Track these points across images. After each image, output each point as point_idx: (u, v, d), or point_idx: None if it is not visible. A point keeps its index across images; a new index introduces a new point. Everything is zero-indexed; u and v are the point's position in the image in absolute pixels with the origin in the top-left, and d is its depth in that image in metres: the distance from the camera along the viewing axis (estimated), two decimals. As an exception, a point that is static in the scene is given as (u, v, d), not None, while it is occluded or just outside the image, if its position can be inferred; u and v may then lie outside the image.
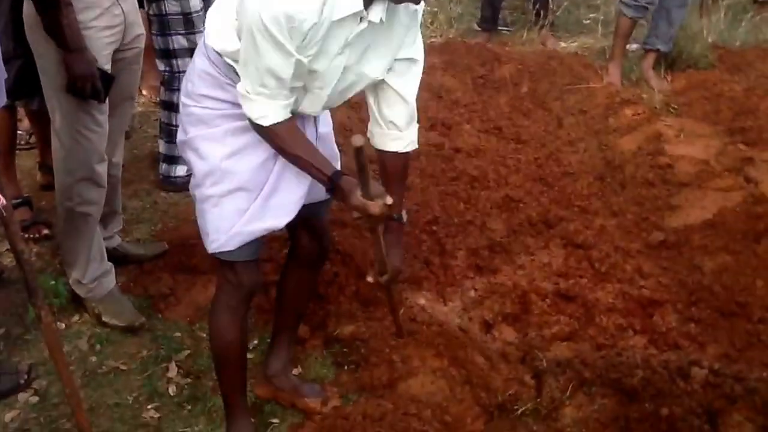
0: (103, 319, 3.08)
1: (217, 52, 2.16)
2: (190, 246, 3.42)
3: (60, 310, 3.12)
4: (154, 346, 3.04)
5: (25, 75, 3.07)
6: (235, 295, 2.39)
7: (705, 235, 3.67)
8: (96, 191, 2.96)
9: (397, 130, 2.35)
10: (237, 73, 2.12)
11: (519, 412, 2.70)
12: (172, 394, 2.82)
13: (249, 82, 2.06)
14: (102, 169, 2.93)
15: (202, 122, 2.23)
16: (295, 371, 2.89)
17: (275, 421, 2.72)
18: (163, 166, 4.09)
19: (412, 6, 2.13)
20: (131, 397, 2.81)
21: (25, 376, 2.81)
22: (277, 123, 2.10)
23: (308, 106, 2.22)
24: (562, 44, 6.50)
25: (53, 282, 3.16)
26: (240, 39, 2.06)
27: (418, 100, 2.36)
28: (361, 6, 2.00)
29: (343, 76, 2.17)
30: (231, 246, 2.26)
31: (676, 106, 5.18)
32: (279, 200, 2.25)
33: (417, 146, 2.44)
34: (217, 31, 2.16)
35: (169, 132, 3.98)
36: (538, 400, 2.73)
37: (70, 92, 2.70)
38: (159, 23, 3.79)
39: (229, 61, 2.14)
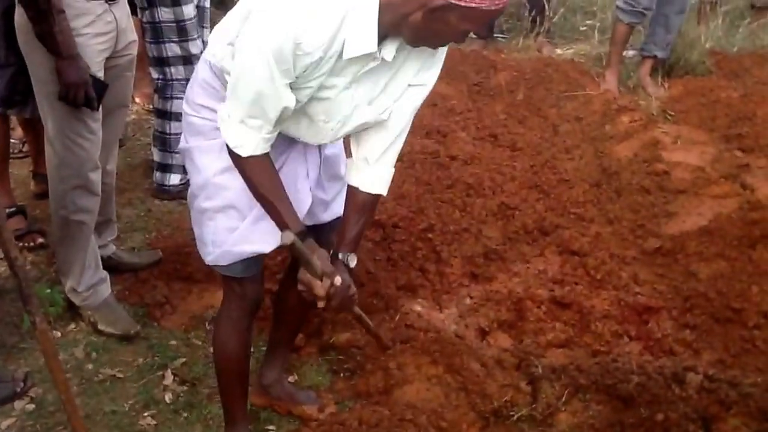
0: (99, 327, 3.08)
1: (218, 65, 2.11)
2: (184, 254, 3.42)
3: (56, 319, 3.11)
4: (150, 354, 3.03)
5: (17, 83, 3.08)
6: (240, 307, 2.36)
7: (701, 242, 3.67)
8: (90, 199, 2.95)
9: (365, 163, 2.21)
10: None
11: (514, 418, 2.70)
12: (168, 402, 2.82)
13: (234, 107, 1.98)
14: (96, 176, 2.93)
15: (200, 133, 2.19)
16: (290, 379, 2.90)
17: (271, 428, 2.72)
18: (157, 175, 4.09)
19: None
20: (127, 404, 2.80)
21: (22, 384, 2.80)
22: (255, 155, 2.03)
23: (312, 137, 2.16)
24: (559, 51, 6.51)
25: (49, 290, 3.15)
26: (233, 59, 1.99)
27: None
28: (374, 47, 1.90)
29: (351, 112, 2.08)
30: (224, 262, 2.23)
31: (672, 113, 5.19)
32: (269, 225, 2.15)
33: (384, 192, 2.26)
34: (221, 48, 2.08)
35: (162, 140, 3.98)
36: (534, 406, 2.73)
37: (63, 100, 2.69)
38: (152, 31, 3.79)
39: (227, 76, 2.08)
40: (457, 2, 1.77)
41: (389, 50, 1.96)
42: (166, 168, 4.03)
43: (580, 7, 7.45)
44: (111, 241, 3.41)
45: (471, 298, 3.42)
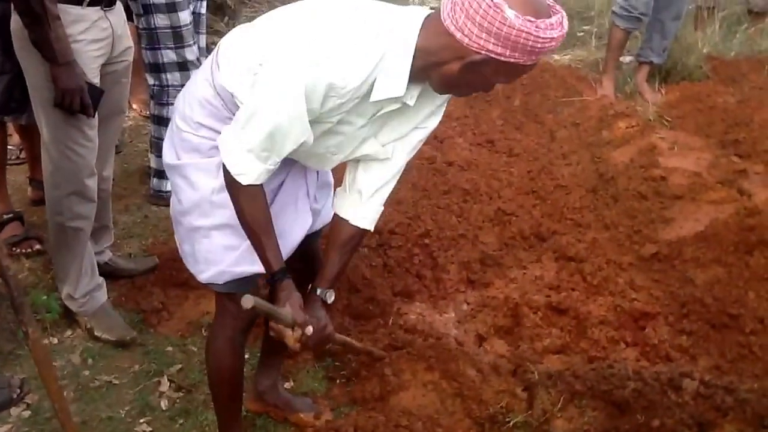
0: (95, 333, 3.08)
1: (224, 87, 2.05)
2: (181, 261, 3.38)
3: (52, 325, 3.12)
4: (146, 361, 3.03)
5: (14, 90, 3.08)
6: (234, 325, 2.32)
7: (697, 248, 3.67)
8: (86, 206, 2.95)
9: (359, 196, 2.18)
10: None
11: (510, 424, 2.70)
12: (164, 408, 2.82)
13: (245, 137, 1.91)
14: (92, 183, 2.93)
15: (196, 150, 2.13)
16: (286, 385, 2.90)
17: (267, 435, 2.73)
18: (154, 181, 4.09)
19: None
20: (123, 411, 2.80)
21: (18, 391, 2.79)
22: (254, 185, 1.99)
23: (315, 164, 2.16)
24: (555, 57, 6.50)
25: (45, 297, 3.15)
26: (253, 86, 1.93)
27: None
28: (403, 91, 1.87)
29: (358, 145, 2.08)
30: (220, 281, 2.20)
31: (669, 119, 5.18)
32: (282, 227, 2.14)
33: (372, 228, 2.24)
34: (233, 70, 2.02)
35: (159, 147, 3.95)
36: (530, 412, 2.72)
37: (59, 106, 2.68)
38: (148, 37, 3.79)
39: (237, 100, 2.03)
40: (497, 57, 1.74)
41: (413, 95, 1.94)
42: (162, 174, 4.02)
43: (576, 13, 7.45)
44: (107, 247, 3.41)
45: (468, 304, 3.42)
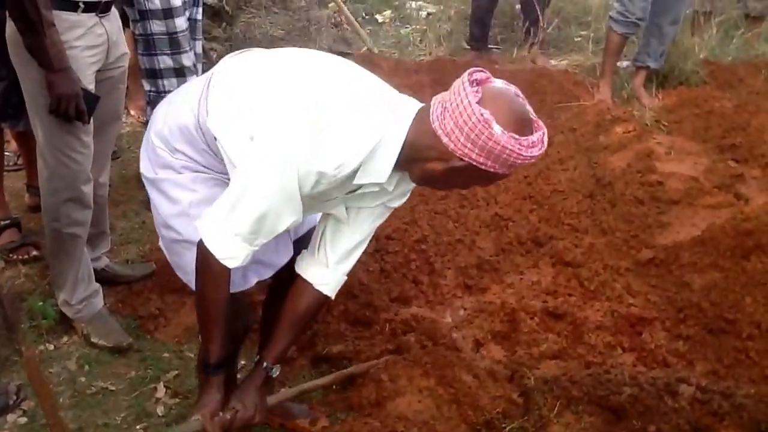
0: (92, 339, 3.08)
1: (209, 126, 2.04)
2: (178, 267, 3.41)
3: (48, 331, 3.11)
4: (143, 367, 3.03)
5: (10, 96, 3.08)
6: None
7: (694, 253, 3.68)
8: (82, 212, 2.95)
9: (324, 262, 2.18)
10: (220, 150, 2.02)
11: (506, 430, 2.68)
12: (160, 415, 2.81)
13: (232, 222, 1.92)
14: (88, 189, 2.92)
15: (170, 167, 2.15)
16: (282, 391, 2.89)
17: (264, 441, 2.72)
18: (152, 187, 4.08)
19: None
20: (120, 417, 2.79)
21: (14, 397, 2.79)
22: (226, 268, 1.98)
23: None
24: (553, 62, 6.53)
25: (41, 303, 3.15)
26: (243, 166, 1.92)
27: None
28: (386, 179, 1.93)
29: (327, 207, 2.11)
30: None
31: (666, 123, 5.19)
32: (262, 255, 2.14)
33: (333, 297, 2.24)
34: (220, 121, 2.01)
35: (157, 153, 3.98)
36: (526, 418, 2.72)
37: (54, 113, 2.67)
38: (144, 43, 3.78)
39: (220, 146, 2.02)
40: (479, 166, 1.80)
41: (392, 181, 1.99)
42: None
43: (574, 18, 7.47)
44: (104, 253, 3.41)
45: (464, 309, 3.42)
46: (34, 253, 3.56)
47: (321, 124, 1.85)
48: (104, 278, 3.30)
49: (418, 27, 7.20)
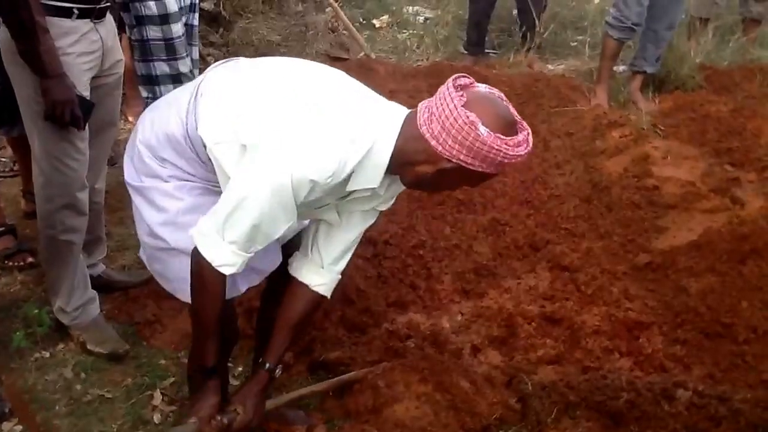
0: (88, 347, 3.07)
1: (198, 135, 2.06)
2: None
3: (44, 339, 3.10)
4: (139, 374, 3.02)
5: (5, 102, 3.07)
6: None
7: (691, 257, 3.68)
8: (78, 219, 2.94)
9: (319, 263, 2.22)
10: (209, 158, 2.05)
11: (504, 436, 2.70)
12: (156, 422, 2.80)
13: (229, 231, 1.94)
14: (84, 196, 2.91)
15: (157, 177, 2.18)
16: (279, 398, 2.89)
17: (260, 448, 2.71)
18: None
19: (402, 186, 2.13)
20: (116, 425, 2.78)
21: (9, 405, 2.78)
22: (222, 277, 2.02)
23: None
24: (549, 66, 6.52)
25: (37, 310, 3.13)
26: (235, 174, 1.96)
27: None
28: (378, 184, 1.99)
29: (318, 213, 2.14)
30: None
31: (663, 128, 5.18)
32: (253, 259, 2.13)
33: (329, 296, 2.28)
34: (212, 129, 2.03)
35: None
36: (523, 424, 2.73)
37: (49, 119, 2.66)
38: (140, 49, 3.77)
39: (211, 155, 2.05)
40: (467, 166, 1.87)
41: (383, 185, 2.03)
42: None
43: (570, 23, 7.47)
44: (101, 260, 3.40)
45: (462, 314, 3.41)
46: (30, 259, 3.54)
47: (312, 131, 1.89)
48: (101, 285, 3.29)
49: (415, 32, 7.19)
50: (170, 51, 3.75)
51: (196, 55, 4.08)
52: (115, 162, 4.29)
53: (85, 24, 2.73)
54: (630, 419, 2.65)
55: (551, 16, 7.08)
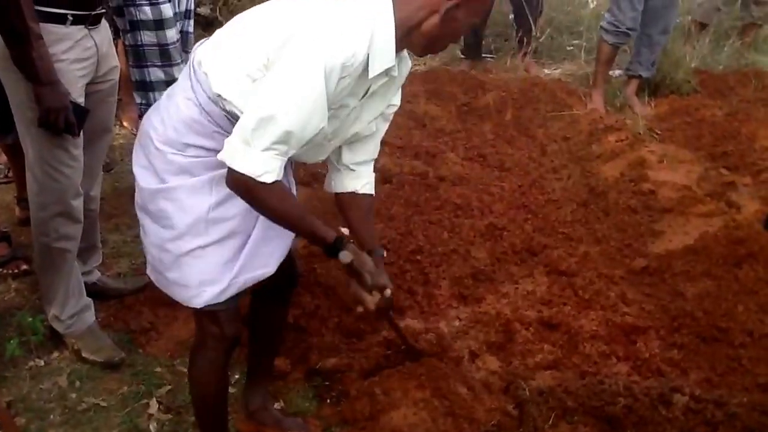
0: (83, 355, 3.05)
1: (212, 100, 2.03)
2: (171, 279, 3.39)
3: (38, 347, 3.08)
4: (135, 382, 3.00)
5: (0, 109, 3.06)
6: (219, 347, 2.30)
7: (687, 261, 3.68)
8: (72, 226, 2.92)
9: (354, 171, 2.31)
10: (230, 121, 2.01)
11: (501, 442, 2.69)
12: (153, 431, 2.79)
13: (260, 136, 1.89)
14: (78, 203, 2.89)
15: (185, 172, 2.11)
16: (277, 405, 2.87)
17: (257, 455, 2.70)
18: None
19: (409, 60, 2.18)
20: (111, 434, 2.78)
21: (4, 414, 2.78)
22: (276, 181, 1.96)
23: (311, 156, 2.17)
24: (546, 71, 6.55)
25: (31, 318, 3.12)
26: (262, 90, 1.92)
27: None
28: (393, 60, 1.98)
29: (349, 127, 2.14)
30: (221, 299, 2.16)
31: (658, 132, 5.20)
32: (268, 246, 2.16)
33: (373, 192, 2.36)
34: (226, 79, 2.01)
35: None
36: (521, 429, 2.71)
37: (43, 126, 2.64)
38: (135, 54, 3.75)
39: (227, 111, 2.02)
40: None
41: (396, 67, 2.04)
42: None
43: (566, 27, 7.50)
44: (96, 267, 3.39)
45: (459, 319, 3.40)
46: (24, 267, 3.53)
47: (326, 21, 1.92)
48: (96, 292, 3.28)
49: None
50: (165, 57, 3.73)
51: (192, 61, 4.07)
52: (110, 168, 4.28)
53: (80, 30, 2.71)
54: (627, 424, 2.64)
55: (547, 21, 7.10)
